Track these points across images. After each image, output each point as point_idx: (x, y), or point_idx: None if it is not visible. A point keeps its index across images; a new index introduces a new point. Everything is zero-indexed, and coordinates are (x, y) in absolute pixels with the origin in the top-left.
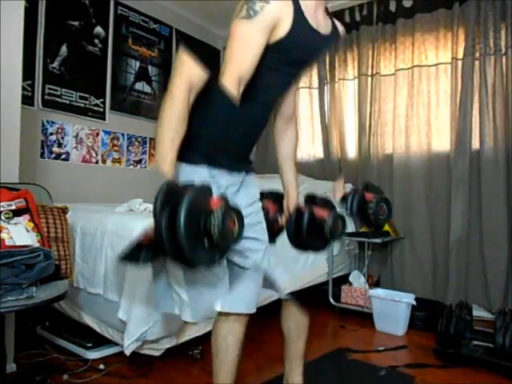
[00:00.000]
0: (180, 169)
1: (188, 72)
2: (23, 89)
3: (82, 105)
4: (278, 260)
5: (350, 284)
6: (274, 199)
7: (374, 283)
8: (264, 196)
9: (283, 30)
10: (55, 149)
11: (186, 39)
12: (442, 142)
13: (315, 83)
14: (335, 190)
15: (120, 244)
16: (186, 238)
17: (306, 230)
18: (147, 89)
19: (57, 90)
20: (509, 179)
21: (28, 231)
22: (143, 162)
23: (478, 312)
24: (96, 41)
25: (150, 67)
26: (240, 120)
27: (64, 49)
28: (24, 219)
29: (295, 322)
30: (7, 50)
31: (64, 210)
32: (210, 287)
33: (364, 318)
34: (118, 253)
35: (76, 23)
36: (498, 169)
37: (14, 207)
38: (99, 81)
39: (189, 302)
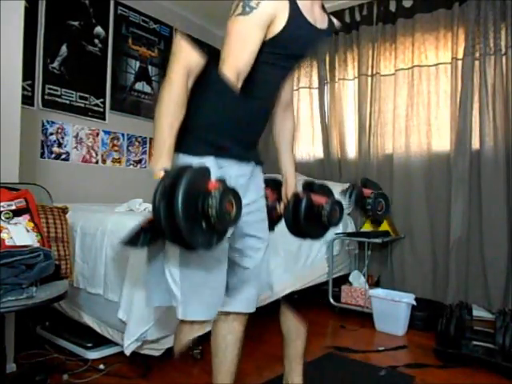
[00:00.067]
0: (181, 161)
1: (186, 57)
2: (23, 89)
3: (82, 105)
4: (279, 259)
5: (350, 284)
6: (273, 187)
7: (374, 283)
8: (264, 183)
9: (279, 25)
10: (55, 149)
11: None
12: (442, 142)
13: (315, 83)
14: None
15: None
16: (184, 219)
17: (304, 217)
18: (147, 89)
19: (57, 90)
20: (509, 179)
21: (28, 231)
22: (143, 162)
23: (478, 312)
24: (96, 41)
25: (149, 67)
26: (242, 111)
27: (64, 49)
28: (24, 219)
29: (294, 322)
30: (7, 50)
31: (64, 210)
32: (207, 281)
33: (364, 318)
34: (122, 237)
35: (76, 23)
36: (498, 169)
37: (14, 207)
38: (99, 81)
39: (181, 298)
